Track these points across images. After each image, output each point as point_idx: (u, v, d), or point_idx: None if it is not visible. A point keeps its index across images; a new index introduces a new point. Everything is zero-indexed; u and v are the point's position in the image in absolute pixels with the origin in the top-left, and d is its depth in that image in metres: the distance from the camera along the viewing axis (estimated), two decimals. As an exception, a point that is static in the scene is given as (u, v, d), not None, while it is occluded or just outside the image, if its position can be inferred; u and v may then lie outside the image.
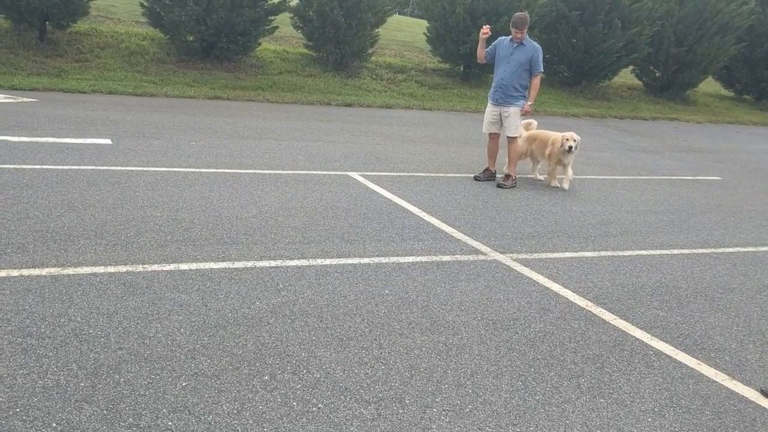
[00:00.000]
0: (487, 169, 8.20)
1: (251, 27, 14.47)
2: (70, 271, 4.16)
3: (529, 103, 7.81)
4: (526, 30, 7.67)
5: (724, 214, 7.64)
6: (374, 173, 7.77)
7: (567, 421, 3.11)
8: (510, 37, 7.79)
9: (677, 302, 4.74)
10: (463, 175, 8.26)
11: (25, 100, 10.40)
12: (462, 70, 17.23)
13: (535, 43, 7.83)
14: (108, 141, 8.01)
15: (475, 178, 8.09)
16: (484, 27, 7.93)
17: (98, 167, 6.73)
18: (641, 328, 4.22)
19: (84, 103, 10.60)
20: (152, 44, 14.83)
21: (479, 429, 2.98)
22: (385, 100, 14.49)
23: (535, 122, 8.72)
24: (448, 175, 8.20)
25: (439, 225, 5.99)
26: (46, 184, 5.94)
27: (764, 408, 3.42)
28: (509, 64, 7.76)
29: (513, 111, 7.81)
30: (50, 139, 7.73)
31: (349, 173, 7.65)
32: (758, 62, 20.16)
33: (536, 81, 7.78)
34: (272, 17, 14.93)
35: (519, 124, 7.93)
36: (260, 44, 15.38)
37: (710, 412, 3.34)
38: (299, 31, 16.08)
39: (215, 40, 14.31)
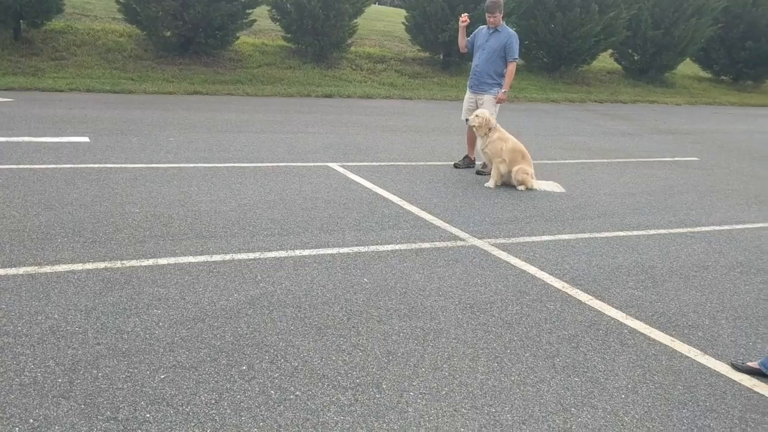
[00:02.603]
0: (466, 157, 8.24)
1: (229, 21, 14.39)
2: (48, 269, 4.16)
3: (504, 90, 7.81)
4: (499, 15, 7.67)
5: (701, 194, 7.73)
6: (354, 163, 7.79)
7: (542, 400, 3.17)
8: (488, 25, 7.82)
9: (653, 281, 4.82)
10: (443, 163, 8.29)
11: (1, 99, 10.31)
12: (441, 58, 17.24)
13: (511, 30, 7.86)
14: (86, 139, 7.97)
15: (455, 166, 8.13)
16: (462, 15, 7.96)
17: (76, 165, 6.71)
18: (616, 308, 4.29)
19: (61, 102, 10.52)
20: (129, 41, 14.72)
21: (455, 411, 3.03)
22: (365, 90, 14.49)
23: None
24: (428, 163, 8.24)
25: (418, 213, 6.02)
26: (23, 184, 5.91)
27: (734, 381, 3.50)
28: (484, 51, 7.79)
29: (487, 98, 7.83)
30: (27, 139, 7.68)
31: (329, 164, 7.66)
32: (734, 43, 20.30)
33: (511, 68, 7.79)
34: (250, 11, 14.85)
35: (494, 112, 7.94)
36: (238, 38, 15.30)
37: (682, 386, 3.41)
38: (277, 23, 16.00)
39: (193, 35, 14.22)
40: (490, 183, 7.25)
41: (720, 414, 3.18)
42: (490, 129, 7.27)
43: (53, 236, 4.71)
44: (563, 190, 7.29)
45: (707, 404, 3.26)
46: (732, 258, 5.48)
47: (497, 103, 7.83)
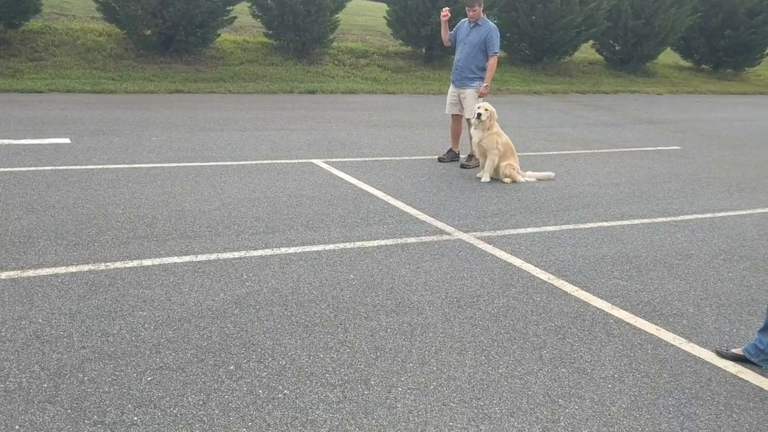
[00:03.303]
0: (450, 150, 8.25)
1: (209, 18, 14.28)
2: (31, 273, 4.12)
3: (485, 84, 7.80)
4: (479, 8, 7.66)
5: (684, 182, 7.79)
6: (338, 159, 7.78)
7: (529, 392, 3.18)
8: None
9: (637, 271, 4.85)
10: (428, 157, 8.30)
11: (-20, 102, 10.18)
12: (424, 52, 17.22)
13: (492, 24, 7.86)
14: (67, 140, 7.89)
15: (439, 160, 8.14)
16: (443, 10, 7.94)
17: (57, 167, 6.64)
18: (602, 298, 4.32)
19: (41, 103, 10.41)
20: (109, 40, 14.57)
21: (444, 405, 3.04)
22: (348, 85, 14.45)
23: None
24: (413, 157, 8.24)
25: (403, 208, 6.02)
26: (2, 187, 5.85)
27: (719, 368, 3.54)
28: (465, 45, 7.79)
29: (469, 93, 7.84)
30: (6, 141, 7.60)
31: (313, 161, 7.64)
32: (714, 32, 20.42)
33: (492, 62, 7.78)
34: (230, 7, 14.74)
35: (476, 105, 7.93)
36: (219, 35, 15.19)
37: (668, 374, 3.43)
38: (258, 20, 15.90)
39: (173, 33, 14.10)
40: (485, 177, 7.24)
41: (705, 401, 3.21)
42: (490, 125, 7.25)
43: (35, 240, 4.67)
44: (552, 174, 7.51)
45: (693, 391, 3.29)
46: (715, 246, 5.53)
47: (479, 96, 7.81)
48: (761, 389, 3.35)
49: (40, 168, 6.58)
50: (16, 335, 3.37)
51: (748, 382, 3.42)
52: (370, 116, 11.24)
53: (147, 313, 3.70)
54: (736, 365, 3.56)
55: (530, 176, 7.39)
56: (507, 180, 7.19)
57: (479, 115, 7.20)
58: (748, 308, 4.32)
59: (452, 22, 8.14)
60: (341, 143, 8.75)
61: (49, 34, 14.29)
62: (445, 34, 8.10)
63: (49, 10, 15.54)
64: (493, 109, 7.29)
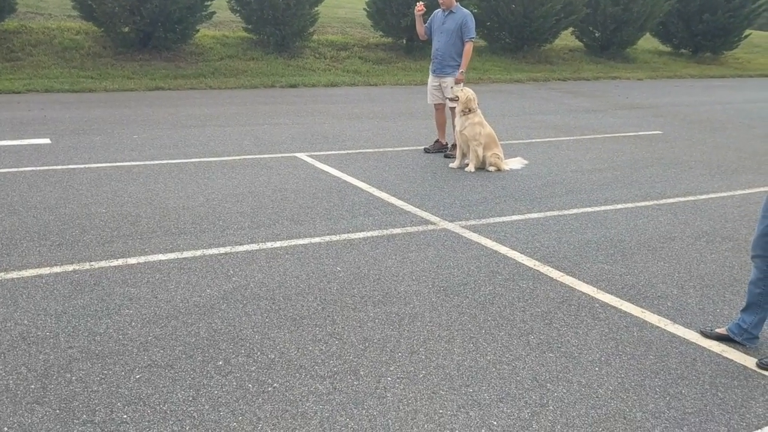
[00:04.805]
0: (437, 141, 8.24)
1: (187, 14, 14.17)
2: (14, 275, 4.08)
3: (461, 71, 7.80)
4: None
5: (666, 166, 7.85)
6: (322, 153, 7.76)
7: (518, 378, 3.21)
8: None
9: (621, 255, 4.89)
10: (411, 148, 8.30)
11: (-43, 104, 10.05)
12: (405, 43, 17.20)
13: (466, 10, 7.86)
14: (47, 140, 7.82)
15: (425, 150, 8.15)
16: (418, 4, 7.92)
17: (38, 168, 6.58)
18: (587, 283, 4.35)
19: (19, 104, 10.29)
20: (87, 38, 14.42)
21: (433, 393, 3.06)
22: (329, 78, 14.41)
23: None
24: (397, 149, 8.24)
25: (388, 199, 6.03)
26: (-17, 190, 5.79)
27: (704, 348, 3.58)
28: (442, 34, 7.79)
29: (449, 81, 7.85)
30: (-15, 143, 7.52)
31: (297, 154, 7.62)
32: (692, 16, 20.57)
33: (468, 48, 7.76)
34: (208, 2, 14.64)
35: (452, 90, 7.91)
36: (198, 31, 15.08)
37: (654, 356, 3.47)
38: (237, 14, 15.80)
39: (152, 29, 13.98)
40: (471, 167, 7.24)
41: (691, 381, 3.26)
42: (470, 110, 7.23)
43: (18, 241, 4.63)
44: (527, 162, 7.56)
45: (678, 372, 3.33)
46: (697, 228, 5.58)
47: (456, 83, 7.80)
48: (745, 367, 3.40)
49: (20, 169, 6.51)
50: (1, 337, 3.34)
51: (732, 360, 3.46)
52: (353, 109, 11.22)
53: (133, 311, 3.69)
54: (721, 345, 3.60)
55: (514, 163, 7.45)
56: (492, 169, 7.22)
57: (455, 99, 7.22)
58: (731, 288, 4.37)
59: (427, 16, 8.12)
60: (324, 136, 8.73)
61: (25, 33, 14.12)
62: (420, 28, 8.09)
63: (25, 9, 15.35)
64: (472, 93, 7.28)
